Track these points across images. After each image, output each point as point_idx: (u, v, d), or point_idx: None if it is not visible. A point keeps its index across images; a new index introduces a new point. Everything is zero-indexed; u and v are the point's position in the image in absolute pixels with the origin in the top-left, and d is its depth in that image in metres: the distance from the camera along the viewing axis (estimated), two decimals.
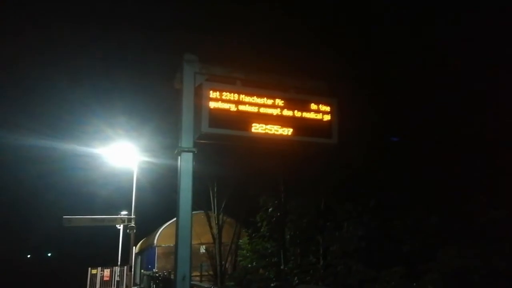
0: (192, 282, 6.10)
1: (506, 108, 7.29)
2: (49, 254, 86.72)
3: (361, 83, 8.99)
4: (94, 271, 26.66)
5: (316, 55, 8.17)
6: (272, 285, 11.90)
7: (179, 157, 4.17)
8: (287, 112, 4.64)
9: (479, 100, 7.90)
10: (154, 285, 14.32)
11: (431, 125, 8.88)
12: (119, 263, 27.52)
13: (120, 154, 16.49)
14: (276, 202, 13.28)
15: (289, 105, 4.68)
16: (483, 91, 7.82)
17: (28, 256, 79.77)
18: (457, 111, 8.28)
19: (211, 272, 16.38)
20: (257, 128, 4.45)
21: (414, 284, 7.69)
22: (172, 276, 10.92)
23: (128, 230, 15.88)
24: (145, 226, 24.52)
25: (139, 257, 29.84)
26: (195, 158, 4.22)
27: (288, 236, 12.87)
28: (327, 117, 4.83)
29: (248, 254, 14.86)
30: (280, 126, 4.57)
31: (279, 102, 4.64)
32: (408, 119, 9.39)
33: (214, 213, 15.92)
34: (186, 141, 4.20)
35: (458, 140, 8.29)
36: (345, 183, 10.84)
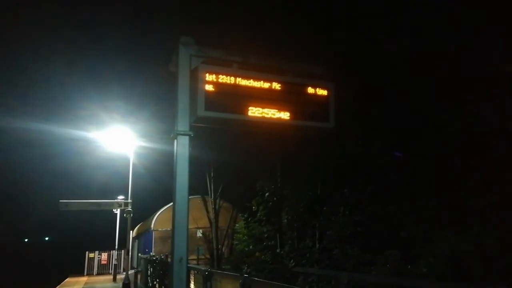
0: (188, 265, 6.14)
1: (500, 98, 7.28)
2: (47, 238, 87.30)
3: (358, 69, 8.93)
4: (91, 255, 26.92)
5: (314, 40, 8.08)
6: (268, 267, 12.05)
7: (175, 141, 4.12)
8: (284, 96, 4.58)
9: (475, 89, 7.88)
10: (151, 268, 14.41)
11: (427, 112, 8.86)
12: (116, 247, 27.74)
13: (116, 138, 16.36)
14: (272, 187, 13.34)
15: (287, 88, 4.61)
16: (476, 81, 7.80)
17: (26, 240, 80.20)
18: (453, 99, 8.26)
19: (208, 256, 16.55)
20: (254, 111, 4.40)
21: (409, 266, 7.80)
22: (169, 259, 11.00)
23: (125, 215, 15.88)
24: (142, 210, 24.60)
25: (136, 241, 30.04)
26: (192, 142, 4.18)
27: (285, 220, 12.98)
28: (324, 101, 4.78)
29: (244, 238, 14.99)
30: (277, 110, 4.51)
31: (276, 85, 4.57)
32: (405, 106, 9.36)
33: (211, 197, 15.99)
34: (182, 124, 4.15)
35: (454, 127, 8.30)
36: (342, 168, 10.87)
